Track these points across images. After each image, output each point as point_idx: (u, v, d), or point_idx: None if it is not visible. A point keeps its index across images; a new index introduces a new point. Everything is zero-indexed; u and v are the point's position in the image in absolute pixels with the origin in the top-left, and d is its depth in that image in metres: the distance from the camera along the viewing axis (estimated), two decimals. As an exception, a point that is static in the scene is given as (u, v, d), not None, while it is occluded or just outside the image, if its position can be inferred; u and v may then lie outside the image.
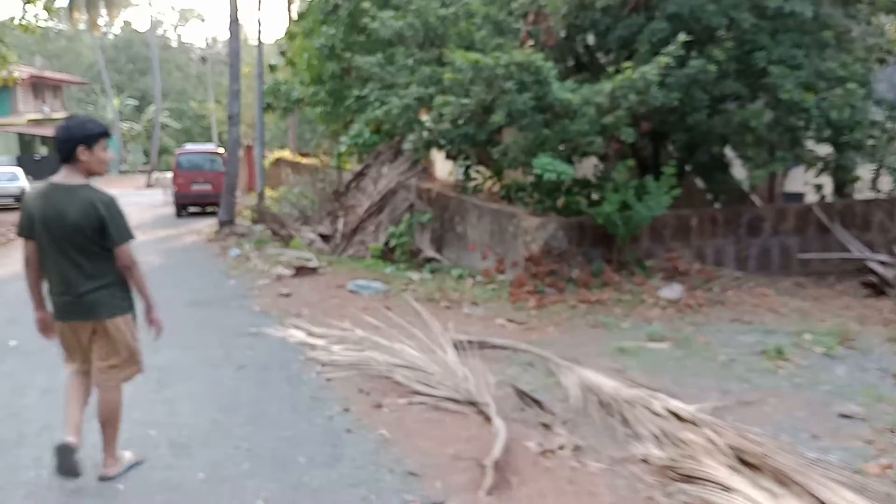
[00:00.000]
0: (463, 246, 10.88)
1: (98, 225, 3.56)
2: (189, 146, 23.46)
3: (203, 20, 78.92)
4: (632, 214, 8.24)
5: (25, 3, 19.39)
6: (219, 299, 8.50)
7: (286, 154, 24.16)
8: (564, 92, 7.50)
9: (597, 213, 8.29)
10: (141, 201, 25.83)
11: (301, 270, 10.00)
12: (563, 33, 9.12)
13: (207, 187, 20.77)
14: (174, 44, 62.45)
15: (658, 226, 8.98)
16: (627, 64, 7.24)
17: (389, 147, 13.32)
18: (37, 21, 20.02)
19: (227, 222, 15.62)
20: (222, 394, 5.18)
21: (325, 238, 13.19)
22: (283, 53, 21.03)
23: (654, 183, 8.38)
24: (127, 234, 3.65)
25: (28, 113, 37.48)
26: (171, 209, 21.67)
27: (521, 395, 4.93)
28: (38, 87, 39.98)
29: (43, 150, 38.77)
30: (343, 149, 15.09)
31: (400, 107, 9.79)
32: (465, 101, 7.86)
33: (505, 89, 7.48)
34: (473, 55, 7.50)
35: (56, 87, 43.36)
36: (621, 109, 7.48)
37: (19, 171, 24.53)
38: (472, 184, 11.34)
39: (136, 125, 48.89)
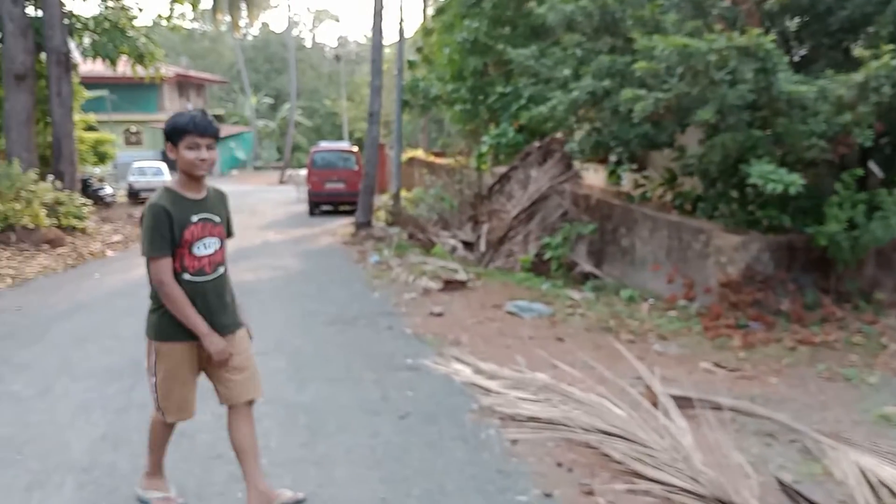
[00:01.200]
0: (628, 262, 9.49)
1: None
2: (324, 144, 23.13)
3: (337, 20, 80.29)
4: (861, 235, 6.61)
5: (173, 3, 19.57)
6: (364, 316, 7.54)
7: (419, 153, 23.39)
8: (793, 84, 5.99)
9: (818, 232, 6.71)
10: (273, 197, 25.86)
11: (450, 284, 8.94)
12: (768, 15, 7.56)
13: (341, 186, 20.28)
14: (308, 44, 63.81)
15: (887, 249, 7.28)
16: (889, 47, 5.65)
17: (538, 147, 12.09)
18: (183, 21, 20.20)
19: (364, 224, 14.87)
20: (386, 456, 4.11)
21: (467, 245, 12.13)
22: (419, 50, 20.27)
23: (891, 197, 6.70)
24: (147, 248, 3.08)
25: (173, 110, 38.87)
26: (303, 207, 21.36)
27: (789, 491, 3.57)
28: (183, 85, 41.45)
29: (185, 146, 40.11)
30: (484, 149, 14.00)
31: (566, 102, 8.53)
32: (660, 95, 6.49)
33: (716, 80, 6.06)
34: (680, 39, 6.12)
35: (199, 85, 44.91)
36: (866, 105, 5.89)
37: (164, 166, 25.05)
38: (640, 191, 9.92)
39: (271, 123, 50.01)
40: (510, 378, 5.25)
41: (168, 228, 3.02)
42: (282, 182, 34.68)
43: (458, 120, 16.89)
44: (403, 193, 18.88)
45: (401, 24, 17.83)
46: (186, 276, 3.10)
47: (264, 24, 60.59)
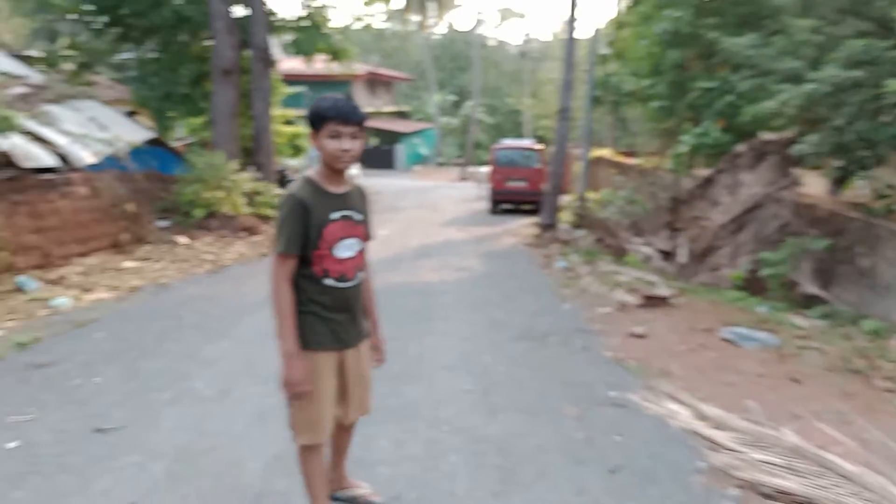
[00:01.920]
0: (867, 286, 7.97)
1: None
2: (506, 141, 22.55)
3: (522, 17, 79.83)
4: None
5: (367, 3, 19.97)
6: (556, 332, 6.76)
7: (606, 153, 22.18)
8: None
9: None
10: (454, 194, 25.72)
11: (649, 300, 7.93)
12: None
13: (523, 184, 19.61)
14: (492, 42, 63.90)
15: None
16: None
17: (750, 149, 10.66)
18: (375, 20, 20.52)
19: (549, 226, 14.07)
20: (598, 526, 3.32)
21: (663, 254, 10.97)
22: (611, 44, 19.10)
23: None
24: (276, 243, 2.74)
25: (363, 106, 40.06)
26: (484, 204, 20.93)
27: None
28: (373, 82, 42.74)
29: (374, 141, 41.38)
30: (683, 149, 12.69)
31: (801, 96, 7.24)
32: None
33: None
34: None
35: (388, 83, 46.17)
36: None
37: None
38: (884, 203, 8.34)
39: (454, 120, 50.48)
40: (744, 431, 4.25)
41: (303, 224, 2.71)
42: (462, 179, 34.68)
43: (653, 118, 15.62)
44: (590, 194, 17.85)
45: (594, 17, 16.76)
46: (329, 282, 2.79)
47: (450, 23, 61.46)
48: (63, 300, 7.42)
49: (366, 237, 2.93)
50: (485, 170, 24.94)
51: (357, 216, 2.85)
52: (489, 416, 4.55)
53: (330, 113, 2.67)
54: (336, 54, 18.30)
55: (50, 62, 14.03)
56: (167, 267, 10.01)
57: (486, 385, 5.16)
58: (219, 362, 5.57)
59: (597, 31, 16.84)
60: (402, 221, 16.79)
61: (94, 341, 6.03)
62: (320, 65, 19.39)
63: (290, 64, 28.45)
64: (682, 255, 10.34)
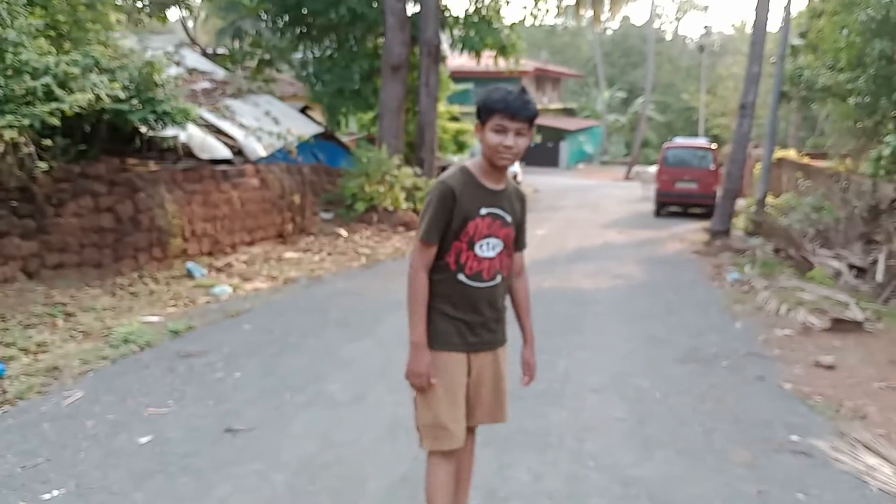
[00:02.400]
0: None
1: None
2: (678, 140, 21.19)
3: (705, 9, 75.50)
4: None
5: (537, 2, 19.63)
6: (725, 355, 5.96)
7: (790, 154, 20.23)
8: None
9: None
10: (617, 194, 24.65)
11: (839, 323, 6.87)
12: None
13: (692, 186, 18.28)
14: (668, 36, 61.03)
15: None
16: None
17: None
18: (545, 16, 20.01)
19: (721, 233, 12.92)
20: None
21: (857, 271, 9.61)
22: (803, 35, 17.32)
23: None
24: (420, 229, 2.60)
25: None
26: (649, 206, 19.78)
27: None
28: (541, 79, 42.15)
29: (538, 138, 40.85)
30: (888, 151, 11.12)
31: None
32: None
33: None
34: None
35: (556, 79, 45.40)
36: None
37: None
38: None
39: (622, 117, 48.71)
40: (971, 506, 3.37)
41: (448, 212, 2.54)
42: (627, 178, 33.28)
43: (850, 115, 13.91)
44: (770, 199, 16.29)
45: (788, 3, 15.24)
46: (461, 277, 2.60)
47: (625, 18, 59.32)
48: (223, 288, 7.63)
49: (513, 241, 2.72)
50: (652, 169, 23.65)
51: (507, 217, 2.67)
52: (642, 453, 3.96)
53: (498, 105, 2.49)
54: (504, 50, 17.98)
55: (234, 59, 14.81)
56: (324, 259, 10.15)
57: (640, 414, 4.55)
58: (357, 363, 5.37)
59: (788, 18, 15.22)
60: (561, 221, 16.18)
61: (242, 333, 6.07)
62: (488, 61, 19.19)
63: (458, 60, 28.59)
64: (881, 273, 8.96)
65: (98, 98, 6.24)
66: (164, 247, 8.76)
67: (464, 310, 2.62)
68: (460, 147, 25.52)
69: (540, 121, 39.89)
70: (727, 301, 8.16)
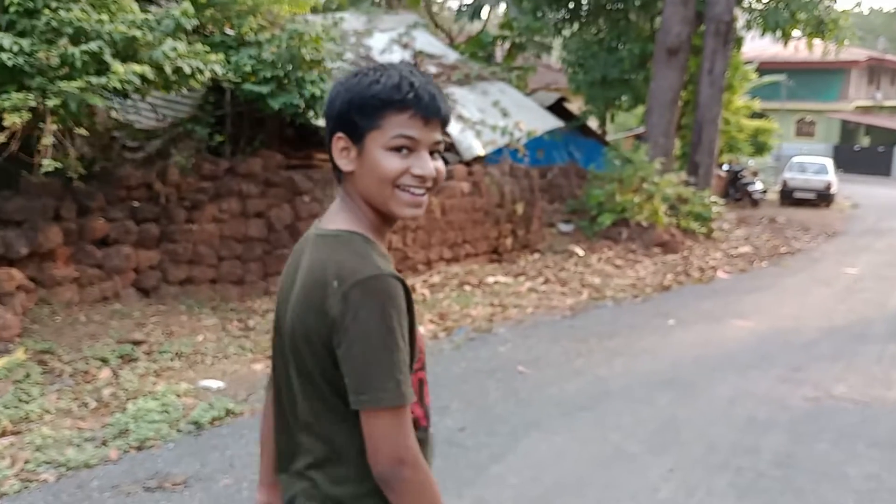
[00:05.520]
0: None
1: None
2: None
3: None
4: None
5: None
6: None
7: None
8: None
9: None
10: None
11: None
12: None
13: None
14: None
15: None
16: None
17: None
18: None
19: None
20: None
21: None
22: None
23: None
24: (378, 385, 1.17)
25: (858, 99, 32.42)
26: None
27: None
28: (875, 70, 34.34)
29: (865, 141, 33.39)
30: None
31: None
32: None
33: None
34: None
35: (895, 71, 36.81)
36: None
37: (829, 163, 20.13)
38: None
39: None
40: None
41: (412, 331, 1.27)
42: None
43: None
44: None
45: None
46: (421, 434, 1.29)
47: None
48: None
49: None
50: None
51: None
52: None
53: (396, 97, 1.22)
54: (822, 29, 13.62)
55: (481, 43, 12.83)
56: (534, 289, 7.66)
57: None
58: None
59: None
60: (885, 253, 11.58)
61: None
62: (803, 47, 14.89)
63: (771, 51, 23.84)
64: None
65: (193, 74, 4.50)
66: (330, 262, 7.02)
67: None
68: (759, 149, 21.00)
69: (872, 121, 32.74)
70: None
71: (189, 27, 4.63)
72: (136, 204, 5.71)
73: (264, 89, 5.60)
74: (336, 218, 1.27)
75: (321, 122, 6.63)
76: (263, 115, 6.53)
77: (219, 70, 4.94)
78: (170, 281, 5.90)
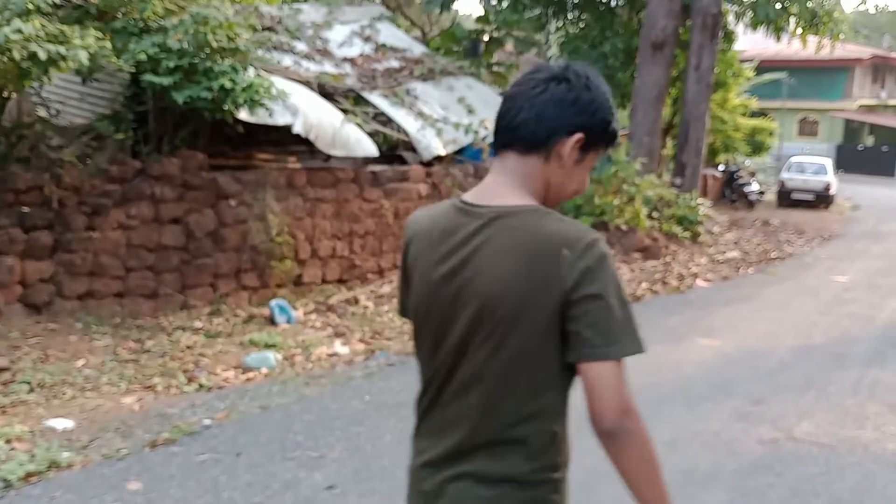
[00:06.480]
0: None
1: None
2: None
3: None
4: None
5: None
6: None
7: None
8: None
9: None
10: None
11: None
12: None
13: None
14: None
15: None
16: None
17: None
18: None
19: None
20: None
21: None
22: None
23: None
24: (619, 338, 1.26)
25: (861, 98, 31.50)
26: None
27: None
28: (880, 69, 33.40)
29: (869, 141, 32.47)
30: None
31: None
32: None
33: None
34: None
35: (900, 69, 35.83)
36: None
37: (828, 163, 19.30)
38: None
39: None
40: None
41: None
42: None
43: None
44: None
45: None
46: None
47: None
48: (264, 357, 4.87)
49: None
50: None
51: None
52: None
53: (614, 126, 1.39)
54: (816, 24, 12.86)
55: (452, 37, 12.14)
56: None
57: None
58: None
59: None
60: (881, 259, 10.80)
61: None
62: (798, 43, 14.12)
63: (773, 49, 23.04)
64: None
65: (54, 61, 3.84)
66: (263, 272, 6.37)
67: None
68: (757, 149, 20.21)
69: (876, 120, 31.84)
70: None
71: (47, 6, 3.98)
72: (24, 209, 5.07)
73: (166, 80, 4.94)
74: (510, 195, 1.31)
75: (243, 117, 6.03)
76: (190, 112, 5.88)
77: (103, 57, 4.29)
78: (66, 295, 5.26)
